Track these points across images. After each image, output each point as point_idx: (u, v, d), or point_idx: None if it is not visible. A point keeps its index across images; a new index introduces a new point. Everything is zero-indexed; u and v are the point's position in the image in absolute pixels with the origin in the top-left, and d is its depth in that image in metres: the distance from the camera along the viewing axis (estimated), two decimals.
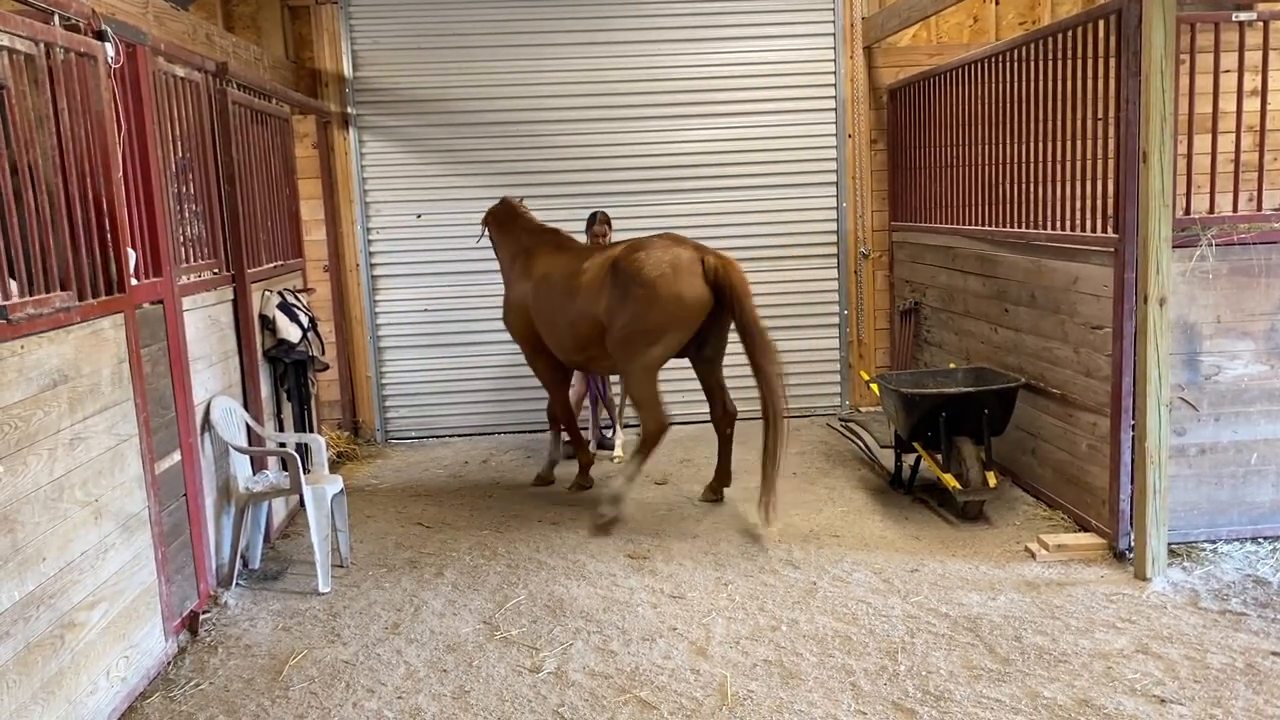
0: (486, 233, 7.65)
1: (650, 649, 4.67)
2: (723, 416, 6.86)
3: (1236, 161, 5.41)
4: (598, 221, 7.90)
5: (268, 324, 6.37)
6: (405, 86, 8.95)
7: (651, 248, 6.37)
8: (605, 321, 6.42)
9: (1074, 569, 5.41)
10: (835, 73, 9.12)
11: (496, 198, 8.91)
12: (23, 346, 3.63)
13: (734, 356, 9.17)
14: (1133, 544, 5.35)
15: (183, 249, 5.34)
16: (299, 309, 6.65)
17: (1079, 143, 5.87)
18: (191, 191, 5.54)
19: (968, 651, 4.51)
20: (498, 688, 4.36)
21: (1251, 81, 5.61)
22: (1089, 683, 4.18)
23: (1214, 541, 5.54)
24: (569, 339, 6.74)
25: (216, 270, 5.83)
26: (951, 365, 7.47)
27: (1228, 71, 5.33)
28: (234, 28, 8.72)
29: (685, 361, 8.66)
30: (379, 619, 5.15)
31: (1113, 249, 5.42)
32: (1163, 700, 4.03)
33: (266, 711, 4.24)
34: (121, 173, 4.52)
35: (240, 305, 6.06)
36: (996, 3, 9.24)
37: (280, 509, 6.53)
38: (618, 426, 8.20)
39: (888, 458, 7.24)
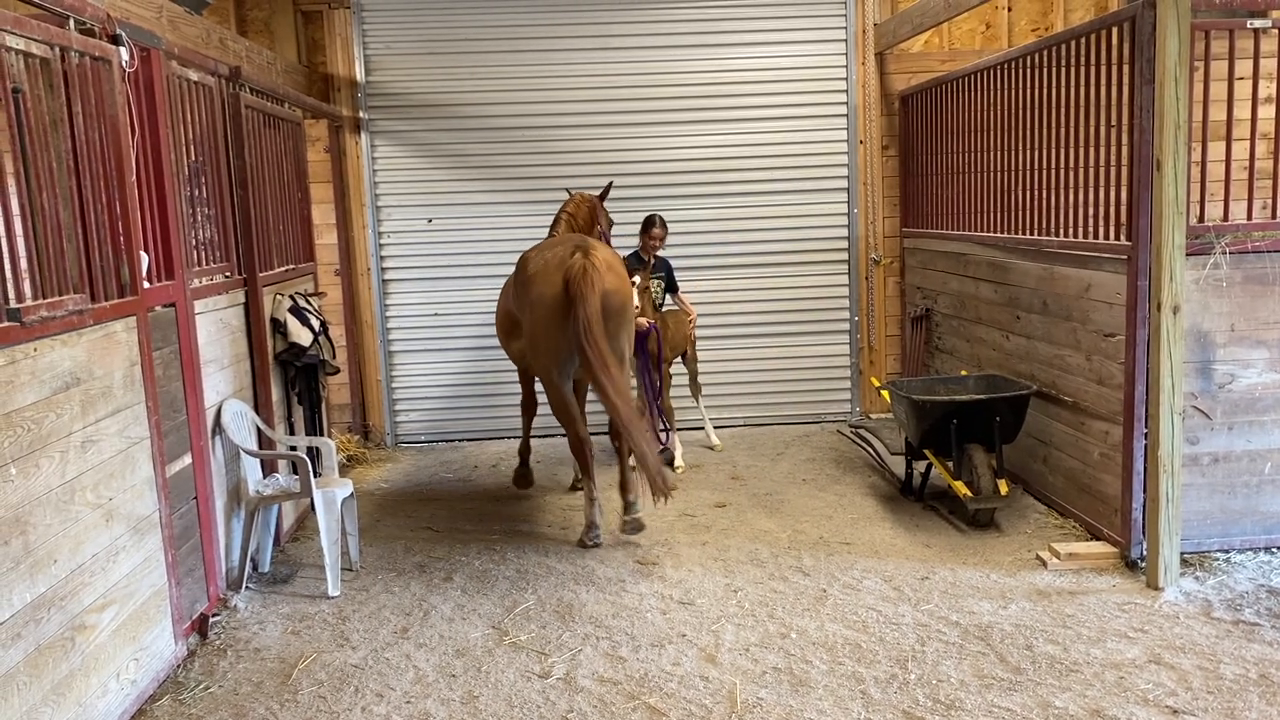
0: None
1: (659, 655, 4.66)
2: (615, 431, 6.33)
3: (1251, 169, 5.39)
4: (655, 225, 7.78)
5: (279, 327, 6.38)
6: (417, 91, 8.97)
7: (544, 246, 6.25)
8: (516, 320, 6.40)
9: (1086, 578, 5.38)
10: (847, 79, 9.11)
11: (505, 203, 9.01)
12: (35, 349, 3.65)
13: (730, 364, 9.25)
14: (1145, 553, 5.32)
15: (195, 252, 5.35)
16: (310, 313, 6.66)
17: (1092, 150, 5.85)
18: (204, 195, 5.56)
19: (979, 660, 4.49)
20: (506, 693, 4.36)
21: (1266, 89, 5.59)
22: (1101, 693, 4.16)
23: (1227, 551, 5.51)
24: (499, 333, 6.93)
25: (228, 274, 5.84)
26: (963, 372, 7.44)
27: (1242, 79, 5.32)
28: (247, 32, 8.76)
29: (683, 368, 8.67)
30: (388, 623, 5.15)
31: (1126, 256, 5.40)
32: (1175, 711, 4.00)
33: (275, 715, 4.24)
34: (135, 176, 4.55)
35: (252, 309, 6.08)
36: (1009, 9, 9.22)
37: (290, 512, 6.54)
38: (673, 437, 7.92)
39: (898, 465, 7.22)
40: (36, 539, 3.58)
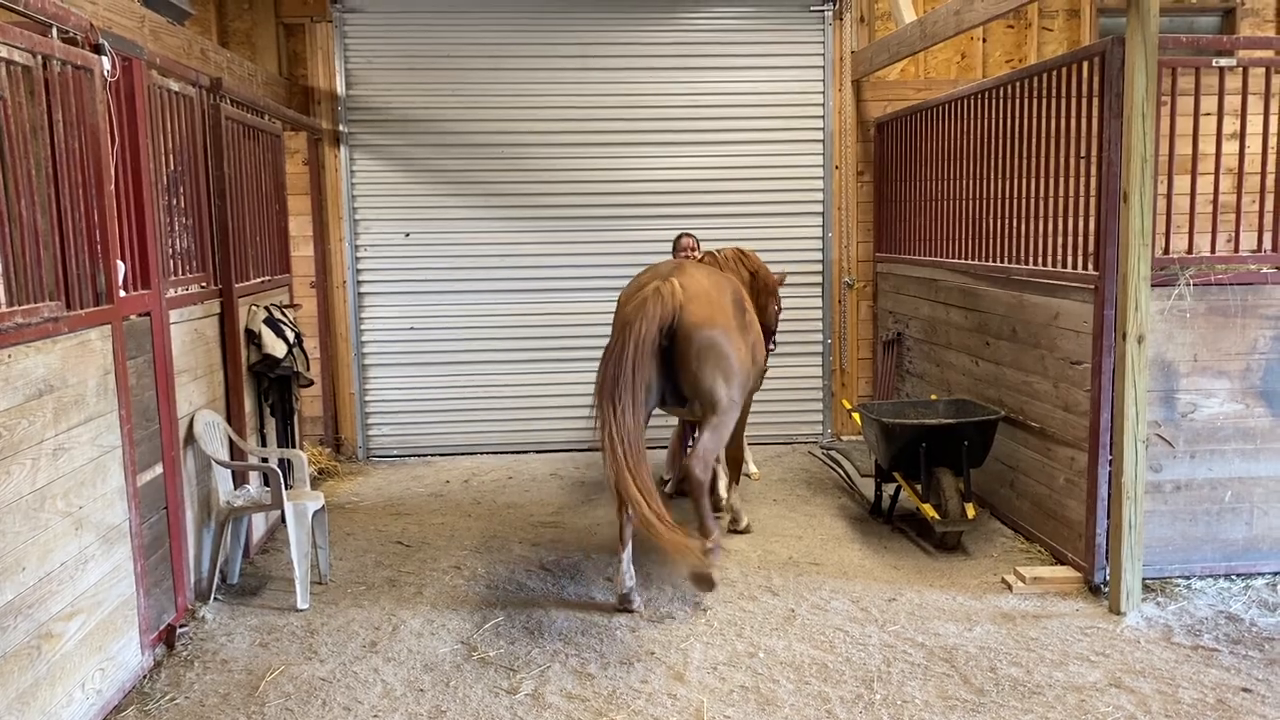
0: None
1: (628, 673, 4.68)
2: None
3: (1215, 203, 5.52)
4: (684, 237, 7.51)
5: (254, 339, 6.37)
6: (397, 106, 8.99)
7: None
8: None
9: (1049, 602, 5.45)
10: (824, 105, 9.23)
11: (483, 219, 9.03)
12: (9, 355, 3.64)
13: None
14: (1108, 578, 5.40)
15: (171, 262, 5.35)
16: (285, 324, 6.65)
17: (1061, 181, 5.96)
18: (182, 205, 5.56)
19: (943, 682, 4.54)
20: (474, 709, 4.36)
21: (1231, 125, 5.73)
22: (1062, 715, 4.22)
23: (1188, 577, 5.60)
24: None
25: (204, 284, 5.83)
26: (933, 396, 7.53)
27: (1208, 115, 5.45)
28: (229, 44, 8.76)
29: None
30: (357, 637, 5.13)
31: (1093, 286, 5.50)
32: None
33: None
34: (113, 185, 4.55)
35: (227, 319, 6.07)
36: (984, 41, 9.38)
37: (260, 524, 6.51)
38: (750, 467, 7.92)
39: (868, 487, 7.28)
40: (5, 546, 3.56)
